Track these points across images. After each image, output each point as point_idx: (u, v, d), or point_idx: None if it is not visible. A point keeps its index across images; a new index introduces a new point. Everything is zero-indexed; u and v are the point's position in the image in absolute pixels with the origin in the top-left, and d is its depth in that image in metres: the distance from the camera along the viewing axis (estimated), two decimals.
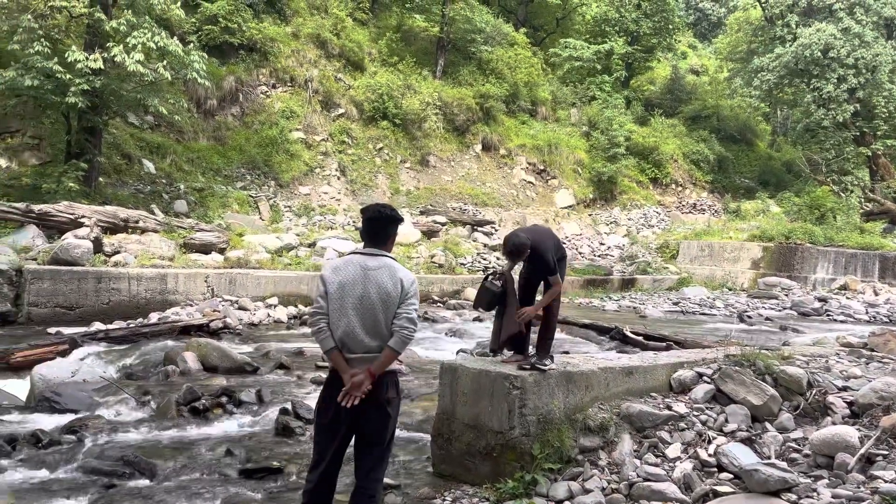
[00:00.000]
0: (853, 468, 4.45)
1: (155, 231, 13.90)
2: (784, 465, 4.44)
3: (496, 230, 21.91)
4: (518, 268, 5.34)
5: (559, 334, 10.79)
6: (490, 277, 5.27)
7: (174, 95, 16.48)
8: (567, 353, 7.88)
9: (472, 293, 16.11)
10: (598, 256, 23.17)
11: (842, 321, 15.64)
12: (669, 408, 5.42)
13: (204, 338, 9.84)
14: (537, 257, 5.10)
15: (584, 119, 31.37)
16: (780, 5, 32.88)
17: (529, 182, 27.60)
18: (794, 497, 4.15)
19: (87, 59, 13.60)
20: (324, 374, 7.20)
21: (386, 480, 4.38)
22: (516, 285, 5.36)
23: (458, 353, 9.05)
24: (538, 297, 5.50)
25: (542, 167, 28.20)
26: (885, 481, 4.23)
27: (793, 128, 36.39)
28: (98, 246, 12.13)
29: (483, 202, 24.95)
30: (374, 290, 3.62)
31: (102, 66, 13.83)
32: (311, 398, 6.99)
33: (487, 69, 28.80)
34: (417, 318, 3.73)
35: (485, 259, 18.33)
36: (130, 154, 17.65)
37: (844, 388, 5.56)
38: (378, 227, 3.79)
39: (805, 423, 5.24)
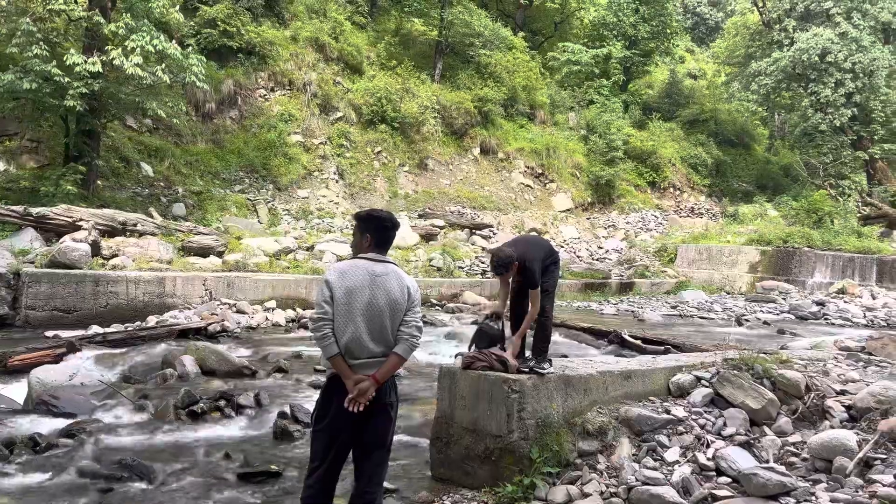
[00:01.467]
0: (851, 472, 4.45)
1: (153, 234, 13.89)
2: (782, 468, 4.44)
3: (494, 234, 21.92)
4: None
5: (557, 337, 10.80)
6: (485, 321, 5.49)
7: (173, 99, 16.48)
8: (565, 356, 7.89)
9: (470, 296, 16.22)
10: (597, 260, 23.17)
11: (839, 325, 15.62)
12: (668, 412, 5.42)
13: (202, 341, 9.86)
14: (528, 270, 5.17)
15: (582, 123, 31.39)
16: (777, 10, 32.95)
17: (528, 185, 27.60)
18: (792, 501, 4.15)
19: (85, 62, 13.62)
20: (322, 378, 7.22)
21: (384, 484, 4.38)
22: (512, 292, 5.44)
23: (456, 356, 8.99)
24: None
25: (540, 171, 28.20)
26: (884, 485, 4.23)
27: (790, 132, 36.44)
28: (96, 249, 12.12)
29: (481, 206, 24.94)
30: (381, 296, 3.63)
31: (101, 70, 13.84)
32: (310, 402, 6.97)
33: (486, 73, 28.83)
34: (423, 325, 3.77)
35: (483, 262, 18.32)
36: (129, 157, 17.66)
37: (842, 392, 5.56)
38: (389, 235, 3.83)
39: (803, 427, 5.25)
